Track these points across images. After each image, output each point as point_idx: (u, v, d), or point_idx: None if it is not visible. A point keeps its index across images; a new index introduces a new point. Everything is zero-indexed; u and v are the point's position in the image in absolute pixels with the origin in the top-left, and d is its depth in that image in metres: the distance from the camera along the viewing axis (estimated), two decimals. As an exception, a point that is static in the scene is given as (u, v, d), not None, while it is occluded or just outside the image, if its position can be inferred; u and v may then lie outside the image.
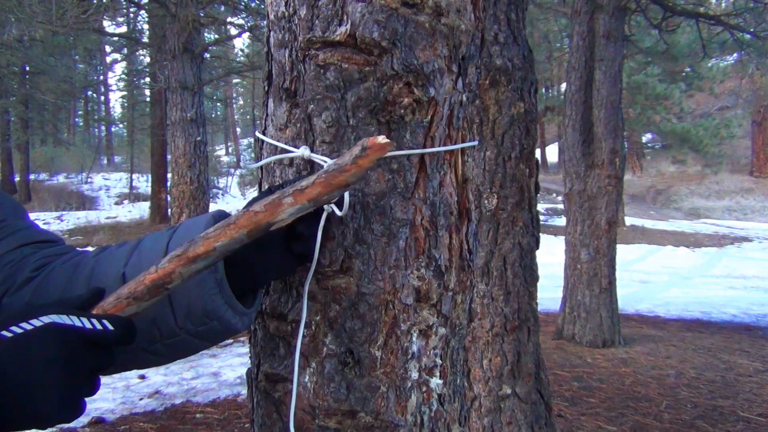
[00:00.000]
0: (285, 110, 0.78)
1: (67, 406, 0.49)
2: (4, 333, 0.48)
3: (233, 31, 9.78)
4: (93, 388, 0.52)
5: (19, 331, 0.48)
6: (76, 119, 32.17)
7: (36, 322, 0.49)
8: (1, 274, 0.65)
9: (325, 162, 0.71)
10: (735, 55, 15.18)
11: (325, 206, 0.68)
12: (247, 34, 8.82)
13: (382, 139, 0.57)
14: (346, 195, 0.68)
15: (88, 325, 0.51)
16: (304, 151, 0.74)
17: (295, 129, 0.77)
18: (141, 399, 3.74)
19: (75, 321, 0.51)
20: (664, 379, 3.94)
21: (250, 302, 0.70)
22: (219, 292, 0.63)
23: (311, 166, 0.74)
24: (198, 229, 0.66)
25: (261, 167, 0.84)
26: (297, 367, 0.72)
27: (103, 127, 32.60)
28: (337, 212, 0.69)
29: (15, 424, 0.47)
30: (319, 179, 0.58)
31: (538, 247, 0.90)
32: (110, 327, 0.52)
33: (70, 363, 0.49)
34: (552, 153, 27.32)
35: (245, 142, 33.77)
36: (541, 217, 8.72)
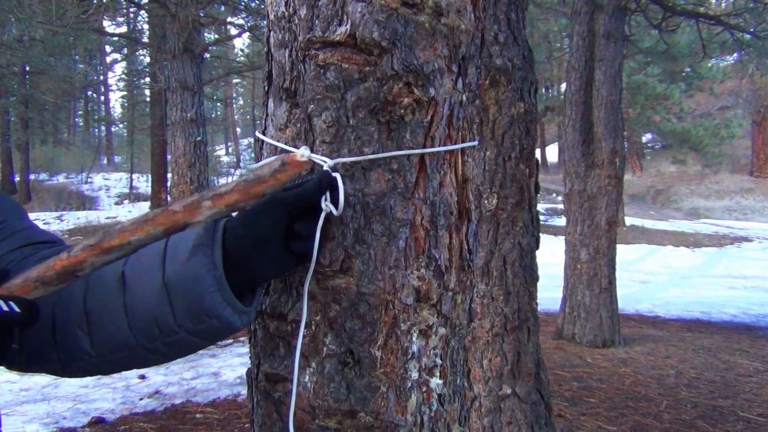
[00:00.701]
0: (285, 110, 0.78)
1: None
2: None
3: (233, 31, 9.79)
4: None
5: None
6: (76, 119, 32.18)
7: None
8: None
9: (325, 162, 0.71)
10: (735, 55, 15.17)
11: (323, 205, 0.68)
12: (247, 34, 8.82)
13: (300, 156, 0.61)
14: (341, 195, 0.68)
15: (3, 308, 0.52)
16: (304, 152, 0.74)
17: (295, 129, 0.77)
18: (141, 399, 3.74)
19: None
20: (664, 379, 3.94)
21: (249, 301, 0.70)
22: (218, 290, 0.63)
23: (311, 166, 0.74)
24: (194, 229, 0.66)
25: (261, 167, 0.84)
26: (297, 367, 0.72)
27: (103, 127, 32.61)
28: (334, 212, 0.69)
29: None
30: (238, 187, 0.61)
31: (538, 247, 0.90)
32: (16, 309, 0.53)
33: None
34: (552, 153, 27.33)
35: (245, 142, 33.79)
36: (541, 217, 8.72)
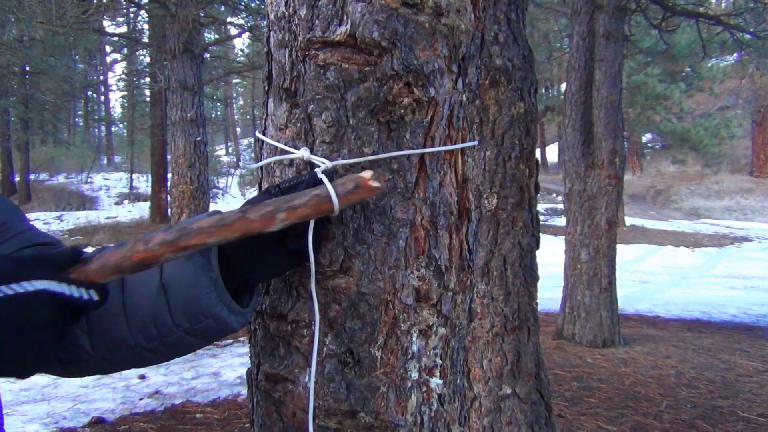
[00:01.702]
0: (285, 110, 0.78)
1: (45, 360, 0.53)
2: None
3: (233, 31, 9.79)
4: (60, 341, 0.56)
5: (11, 292, 0.50)
6: (76, 119, 32.17)
7: (29, 287, 0.51)
8: None
9: (324, 163, 0.71)
10: (735, 55, 15.18)
11: None
12: (247, 34, 8.82)
13: (374, 182, 0.64)
14: (333, 195, 0.69)
15: (77, 295, 0.53)
16: (303, 153, 0.74)
17: (295, 129, 0.77)
18: (141, 399, 3.74)
19: (66, 290, 0.53)
20: (664, 379, 3.94)
21: (247, 301, 0.70)
22: (214, 291, 0.64)
23: (311, 167, 0.74)
24: None
25: (261, 167, 0.84)
26: (314, 366, 0.72)
27: (103, 127, 32.60)
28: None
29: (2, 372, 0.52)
30: (311, 202, 0.63)
31: (538, 247, 0.90)
32: (95, 297, 0.55)
33: (55, 326, 0.52)
34: (552, 153, 27.33)
35: (245, 142, 33.79)
36: (541, 217, 8.72)
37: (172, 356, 0.69)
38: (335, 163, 0.71)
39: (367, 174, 0.65)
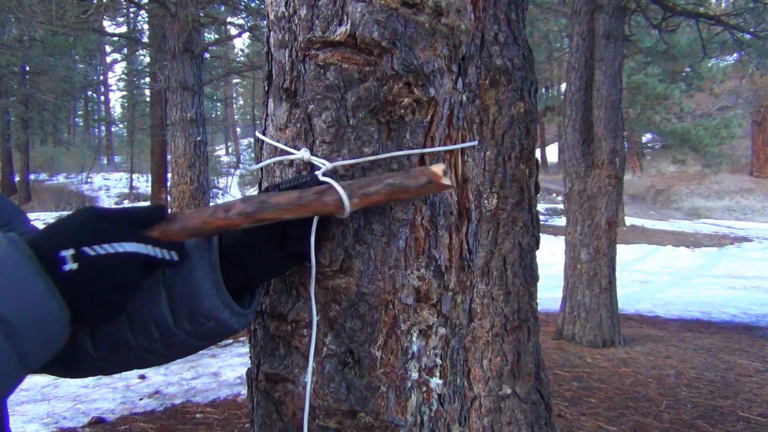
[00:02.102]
0: (285, 110, 0.78)
1: (123, 310, 0.57)
2: (87, 250, 0.53)
3: (233, 31, 9.79)
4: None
5: (103, 252, 0.54)
6: (76, 119, 32.16)
7: (119, 247, 0.55)
8: None
9: (324, 164, 0.71)
10: (735, 55, 15.18)
11: None
12: (247, 34, 8.82)
13: (446, 180, 0.65)
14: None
15: (160, 255, 0.58)
16: (303, 154, 0.74)
17: (295, 129, 0.77)
18: (141, 399, 3.74)
19: (151, 251, 0.57)
20: (664, 379, 3.94)
21: (248, 302, 0.70)
22: (216, 294, 0.65)
23: (310, 167, 0.74)
24: None
25: (261, 167, 0.84)
26: (311, 367, 0.72)
27: (103, 127, 32.59)
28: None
29: (83, 320, 0.56)
30: (384, 190, 0.65)
31: (538, 247, 0.90)
32: (176, 258, 0.59)
33: (137, 284, 0.57)
34: (552, 153, 27.32)
35: (245, 142, 33.77)
36: (541, 217, 8.72)
37: (173, 357, 0.69)
38: (335, 164, 0.71)
39: (439, 170, 0.66)
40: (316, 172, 0.70)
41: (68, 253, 0.53)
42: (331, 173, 0.71)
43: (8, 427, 0.76)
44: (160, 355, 0.67)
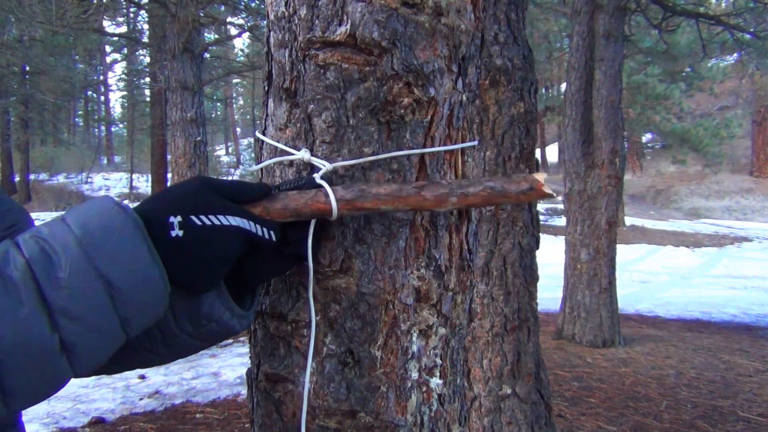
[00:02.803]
0: (285, 110, 0.78)
1: (217, 283, 0.60)
2: (194, 219, 0.56)
3: (233, 31, 9.79)
4: None
5: (209, 223, 0.56)
6: (76, 119, 32.17)
7: (224, 221, 0.57)
8: None
9: (324, 165, 0.71)
10: (735, 55, 15.17)
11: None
12: (247, 34, 8.82)
13: (547, 188, 0.65)
14: (333, 201, 0.68)
15: (260, 233, 0.60)
16: (304, 154, 0.74)
17: (295, 129, 0.77)
18: (141, 399, 3.74)
19: (254, 228, 0.59)
20: (664, 379, 3.94)
21: (249, 303, 0.71)
22: (217, 296, 0.65)
23: (311, 167, 0.74)
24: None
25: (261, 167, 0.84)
26: (309, 367, 0.72)
27: (103, 127, 32.60)
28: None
29: (181, 288, 0.58)
30: (483, 192, 0.66)
31: (538, 247, 0.90)
32: (274, 238, 0.61)
33: (235, 258, 0.59)
34: (552, 153, 27.32)
35: (245, 142, 33.77)
36: (541, 217, 8.71)
37: (175, 357, 0.70)
38: (335, 164, 0.71)
39: (541, 178, 0.66)
40: (314, 175, 0.70)
41: (176, 219, 0.55)
42: (331, 174, 0.71)
43: (21, 420, 0.77)
44: (161, 356, 0.68)
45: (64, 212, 0.60)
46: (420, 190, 0.65)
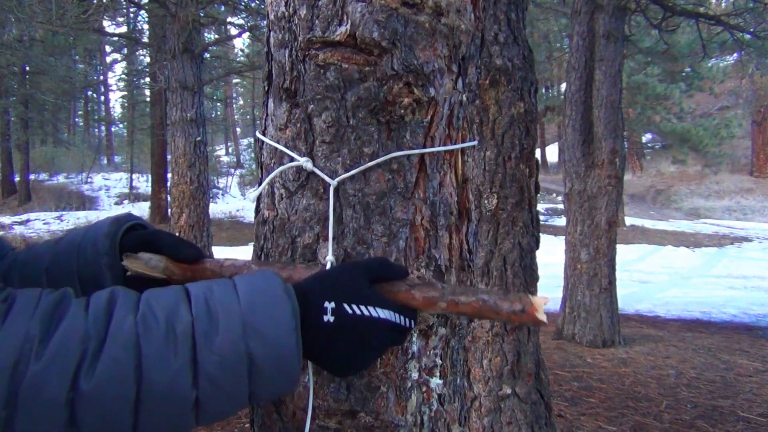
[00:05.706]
0: (285, 110, 0.78)
1: (364, 369, 0.65)
2: (347, 307, 0.59)
3: (233, 31, 9.80)
4: None
5: (359, 313, 0.59)
6: (76, 119, 32.16)
7: (374, 312, 0.60)
8: None
9: (330, 183, 0.72)
10: (735, 55, 15.18)
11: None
12: (247, 34, 8.82)
13: (542, 316, 0.63)
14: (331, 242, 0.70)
15: (403, 323, 0.63)
16: (306, 164, 0.74)
17: (295, 129, 0.77)
18: (141, 399, 3.73)
19: (398, 319, 0.62)
20: (664, 379, 3.94)
21: None
22: None
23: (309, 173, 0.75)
24: (99, 229, 0.74)
25: (261, 167, 0.84)
26: (311, 368, 0.72)
27: (103, 127, 32.60)
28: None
29: (325, 369, 0.63)
30: (475, 304, 0.65)
31: (538, 247, 0.90)
32: (413, 325, 0.64)
33: (383, 349, 0.63)
34: (552, 153, 27.32)
35: (245, 142, 33.77)
36: (541, 217, 8.71)
37: None
38: (339, 178, 0.72)
39: (538, 302, 0.64)
40: (324, 263, 0.71)
41: (330, 305, 0.58)
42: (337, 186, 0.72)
43: None
44: None
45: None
46: (411, 288, 0.65)
